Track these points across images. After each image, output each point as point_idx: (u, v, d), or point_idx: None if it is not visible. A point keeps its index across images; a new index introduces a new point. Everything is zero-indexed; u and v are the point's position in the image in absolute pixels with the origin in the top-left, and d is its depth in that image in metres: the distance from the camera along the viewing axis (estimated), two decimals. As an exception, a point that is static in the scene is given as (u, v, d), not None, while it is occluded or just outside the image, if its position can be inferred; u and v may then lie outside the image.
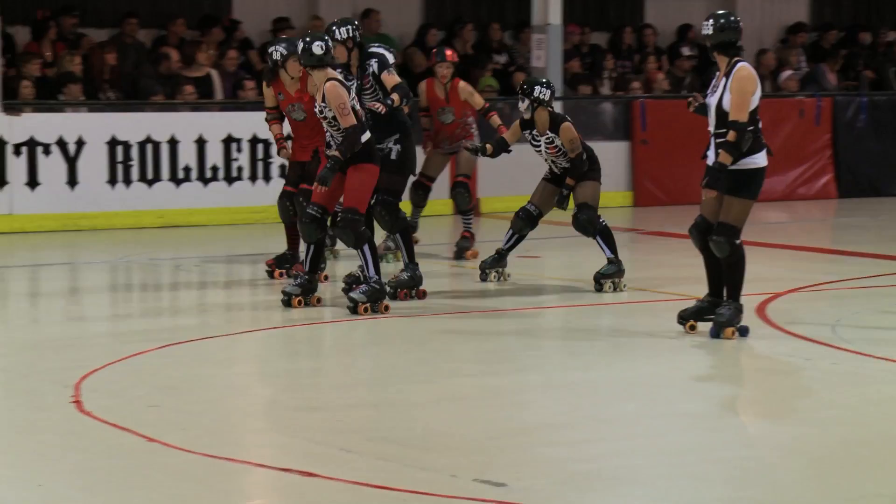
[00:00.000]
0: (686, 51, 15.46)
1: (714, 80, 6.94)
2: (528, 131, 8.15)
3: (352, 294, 7.44)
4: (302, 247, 8.02)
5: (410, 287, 7.77)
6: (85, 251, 8.96)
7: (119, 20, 12.79)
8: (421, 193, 9.60)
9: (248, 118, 11.44)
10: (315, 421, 5.40)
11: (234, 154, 11.12)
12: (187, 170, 11.31)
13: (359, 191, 7.41)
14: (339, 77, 7.32)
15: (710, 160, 6.52)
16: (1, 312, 8.21)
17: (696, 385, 6.28)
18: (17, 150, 10.49)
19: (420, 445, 5.02)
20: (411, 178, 8.68)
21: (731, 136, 6.58)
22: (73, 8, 12.60)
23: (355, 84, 7.65)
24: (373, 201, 7.62)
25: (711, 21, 6.89)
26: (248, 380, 6.38)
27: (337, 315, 7.61)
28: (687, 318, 6.80)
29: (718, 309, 6.59)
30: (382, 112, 7.47)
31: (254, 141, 11.54)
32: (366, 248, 7.33)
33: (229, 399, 5.86)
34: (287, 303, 7.50)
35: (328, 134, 7.44)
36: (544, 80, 8.31)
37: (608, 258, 8.25)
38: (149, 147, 11.17)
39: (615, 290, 8.19)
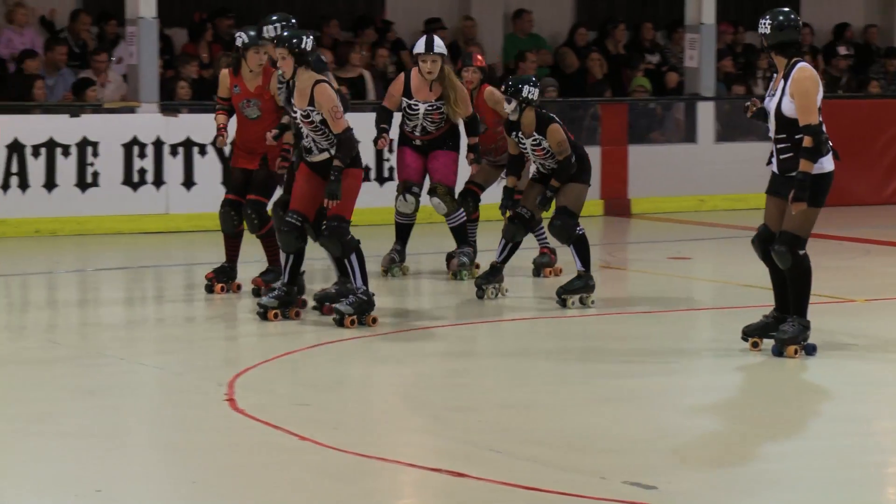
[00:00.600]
0: (843, 50, 15.43)
1: (771, 83, 6.61)
2: (515, 133, 7.81)
3: (337, 306, 7.07)
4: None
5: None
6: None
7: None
8: (470, 202, 8.91)
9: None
10: (465, 421, 5.46)
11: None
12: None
13: (344, 198, 7.09)
14: (328, 78, 7.14)
15: (774, 166, 6.22)
16: (158, 311, 8.49)
17: (841, 390, 6.17)
18: (173, 150, 10.81)
19: (570, 447, 5.04)
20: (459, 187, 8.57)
21: (808, 141, 6.26)
22: (228, 10, 13.04)
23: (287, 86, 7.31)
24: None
25: (769, 19, 6.52)
26: (394, 379, 6.44)
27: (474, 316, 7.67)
28: (751, 334, 6.44)
29: (782, 325, 6.24)
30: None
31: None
32: (353, 257, 7.02)
33: (378, 398, 5.96)
34: (263, 315, 7.11)
35: (309, 139, 7.11)
36: (532, 79, 7.92)
37: (578, 271, 7.85)
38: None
39: (584, 306, 7.80)
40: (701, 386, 6.22)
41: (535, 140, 7.73)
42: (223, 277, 7.94)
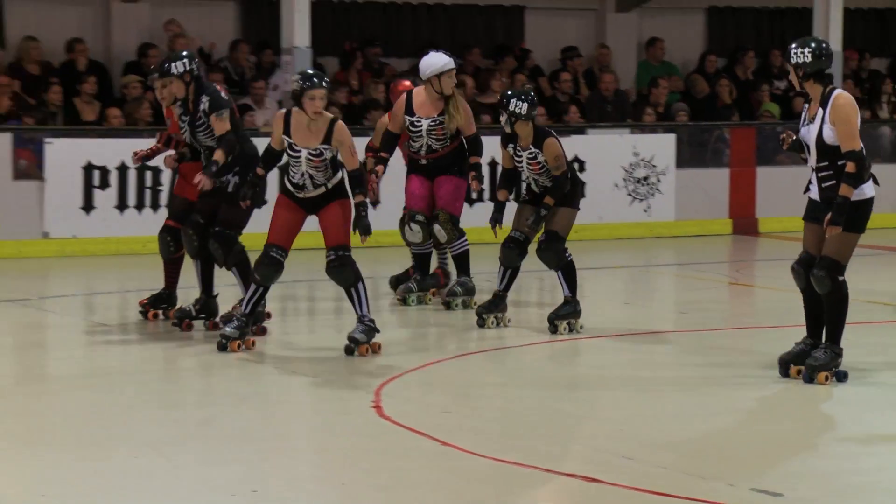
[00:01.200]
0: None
1: (804, 112, 6.48)
2: (512, 145, 7.59)
3: (351, 334, 6.87)
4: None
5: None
6: (385, 266, 9.36)
7: (418, 50, 13.58)
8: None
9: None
10: (597, 428, 5.58)
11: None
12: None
13: (343, 226, 6.90)
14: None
15: (814, 194, 6.12)
16: (309, 322, 8.81)
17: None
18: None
19: (698, 454, 5.09)
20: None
21: (851, 166, 6.15)
22: (377, 39, 13.63)
23: (188, 119, 7.24)
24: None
25: (808, 48, 6.38)
26: (524, 391, 6.51)
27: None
28: (787, 362, 6.34)
29: (814, 352, 6.15)
30: (209, 188, 7.03)
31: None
32: (359, 285, 6.84)
33: (516, 406, 6.05)
34: (224, 347, 6.86)
35: (305, 175, 6.87)
36: (523, 93, 7.64)
37: (565, 296, 7.66)
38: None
39: (571, 331, 7.58)
40: (825, 397, 6.19)
41: (531, 153, 7.57)
42: (160, 304, 7.75)
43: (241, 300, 7.12)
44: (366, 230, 6.74)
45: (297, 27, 12.04)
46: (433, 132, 8.10)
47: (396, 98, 8.34)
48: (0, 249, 10.48)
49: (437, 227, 8.11)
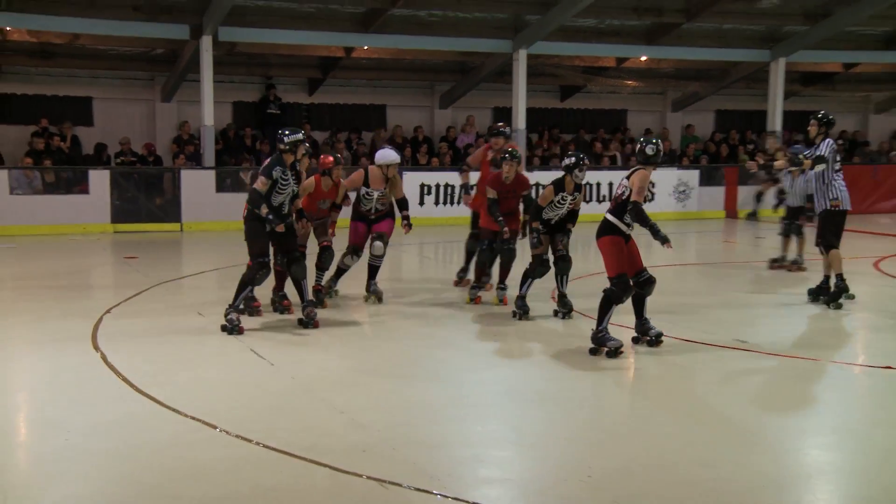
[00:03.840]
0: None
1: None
2: (562, 192, 7.92)
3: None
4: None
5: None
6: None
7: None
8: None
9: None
10: None
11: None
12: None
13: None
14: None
15: None
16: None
17: None
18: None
19: None
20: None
21: None
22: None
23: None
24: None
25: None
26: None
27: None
28: None
29: None
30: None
31: None
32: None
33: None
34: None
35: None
36: (578, 153, 7.93)
37: (562, 292, 8.23)
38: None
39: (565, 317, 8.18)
40: None
41: (573, 197, 7.90)
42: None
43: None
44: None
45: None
46: (381, 200, 9.13)
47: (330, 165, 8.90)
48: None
49: (379, 244, 9.10)
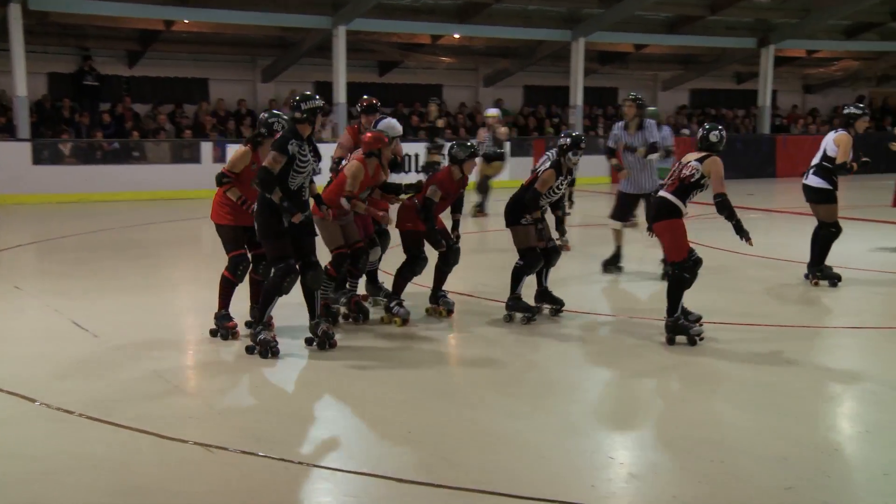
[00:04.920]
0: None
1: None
2: (562, 177, 7.04)
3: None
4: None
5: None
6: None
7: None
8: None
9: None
10: None
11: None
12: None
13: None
14: None
15: None
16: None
17: None
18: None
19: None
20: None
21: None
22: None
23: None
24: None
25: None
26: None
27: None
28: None
29: None
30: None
31: None
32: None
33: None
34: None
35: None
36: (574, 132, 7.09)
37: (545, 286, 7.25)
38: None
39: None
40: None
41: (568, 181, 7.07)
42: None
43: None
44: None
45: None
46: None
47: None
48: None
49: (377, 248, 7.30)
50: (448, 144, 7.67)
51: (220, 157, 16.40)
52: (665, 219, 6.47)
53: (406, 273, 7.05)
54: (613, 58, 23.25)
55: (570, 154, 7.03)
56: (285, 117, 6.39)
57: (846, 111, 8.57)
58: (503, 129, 12.02)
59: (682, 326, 6.46)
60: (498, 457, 4.39)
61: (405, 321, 7.01)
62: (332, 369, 5.87)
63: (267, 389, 5.54)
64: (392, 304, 7.09)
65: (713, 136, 6.53)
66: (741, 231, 6.28)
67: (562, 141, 7.08)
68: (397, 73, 21.90)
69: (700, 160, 6.49)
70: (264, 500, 3.95)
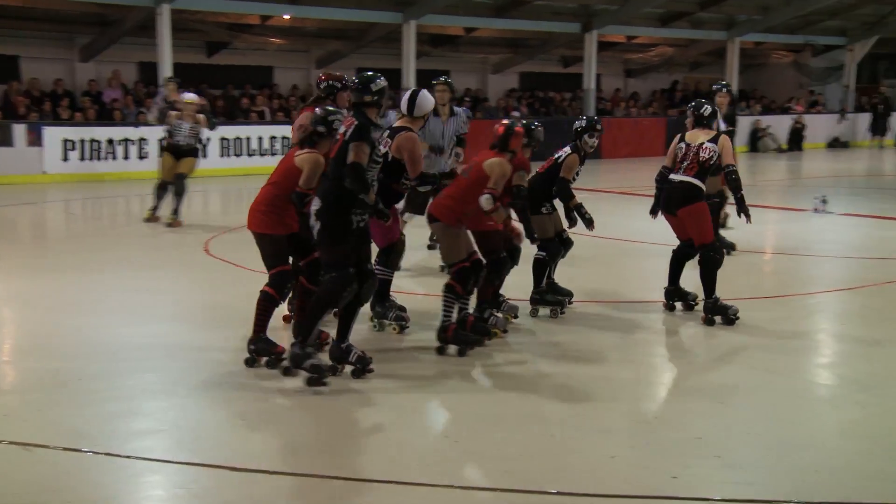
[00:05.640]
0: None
1: None
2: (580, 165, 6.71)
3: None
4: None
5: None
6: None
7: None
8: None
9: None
10: None
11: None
12: None
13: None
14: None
15: None
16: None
17: None
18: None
19: None
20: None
21: None
22: None
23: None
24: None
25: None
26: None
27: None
28: None
29: None
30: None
31: None
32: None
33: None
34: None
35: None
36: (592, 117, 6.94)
37: (547, 284, 6.79)
38: None
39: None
40: None
41: (582, 166, 6.73)
42: None
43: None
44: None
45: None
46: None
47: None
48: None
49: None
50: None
51: (35, 140, 15.67)
52: (691, 203, 6.52)
53: (493, 279, 6.29)
54: (445, 41, 23.24)
55: (585, 136, 6.80)
56: (343, 112, 5.55)
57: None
58: (201, 116, 10.99)
59: (721, 307, 6.51)
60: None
61: (504, 330, 6.30)
62: (162, 361, 5.66)
63: (91, 384, 5.25)
64: (488, 315, 6.27)
65: (705, 111, 6.72)
66: (742, 205, 6.44)
67: (577, 124, 6.85)
68: (226, 55, 21.37)
69: (713, 140, 6.62)
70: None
